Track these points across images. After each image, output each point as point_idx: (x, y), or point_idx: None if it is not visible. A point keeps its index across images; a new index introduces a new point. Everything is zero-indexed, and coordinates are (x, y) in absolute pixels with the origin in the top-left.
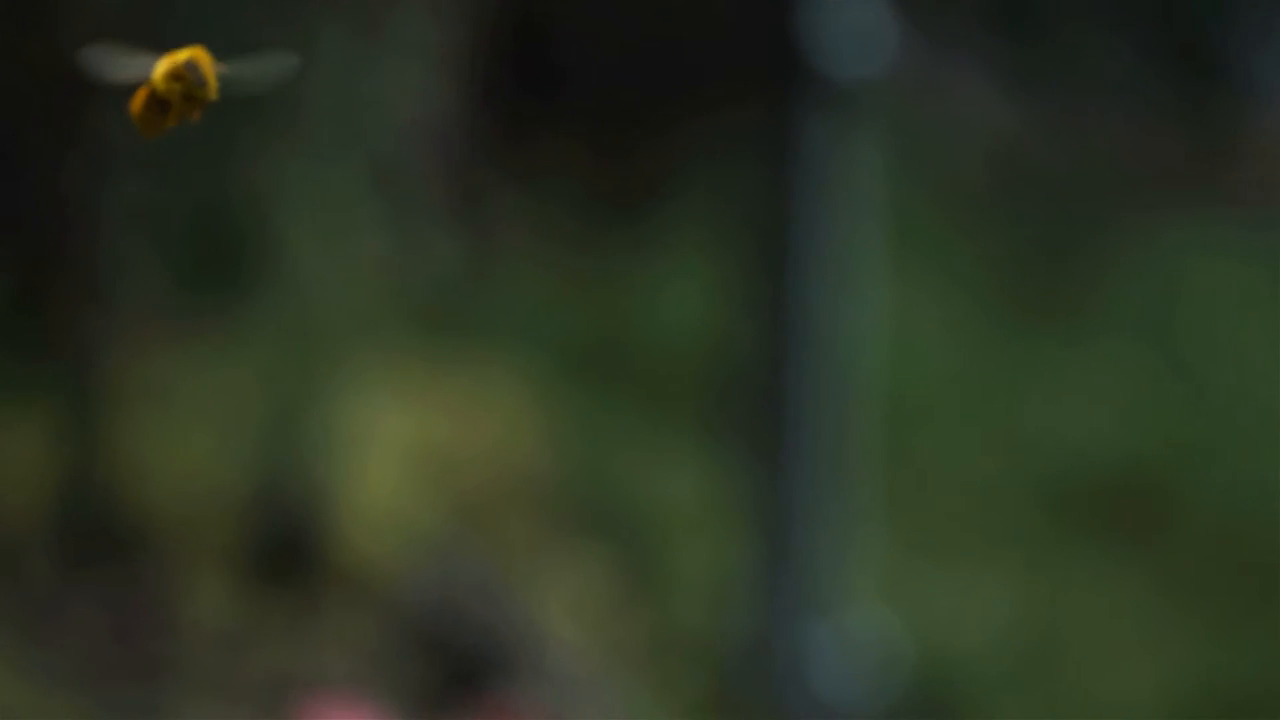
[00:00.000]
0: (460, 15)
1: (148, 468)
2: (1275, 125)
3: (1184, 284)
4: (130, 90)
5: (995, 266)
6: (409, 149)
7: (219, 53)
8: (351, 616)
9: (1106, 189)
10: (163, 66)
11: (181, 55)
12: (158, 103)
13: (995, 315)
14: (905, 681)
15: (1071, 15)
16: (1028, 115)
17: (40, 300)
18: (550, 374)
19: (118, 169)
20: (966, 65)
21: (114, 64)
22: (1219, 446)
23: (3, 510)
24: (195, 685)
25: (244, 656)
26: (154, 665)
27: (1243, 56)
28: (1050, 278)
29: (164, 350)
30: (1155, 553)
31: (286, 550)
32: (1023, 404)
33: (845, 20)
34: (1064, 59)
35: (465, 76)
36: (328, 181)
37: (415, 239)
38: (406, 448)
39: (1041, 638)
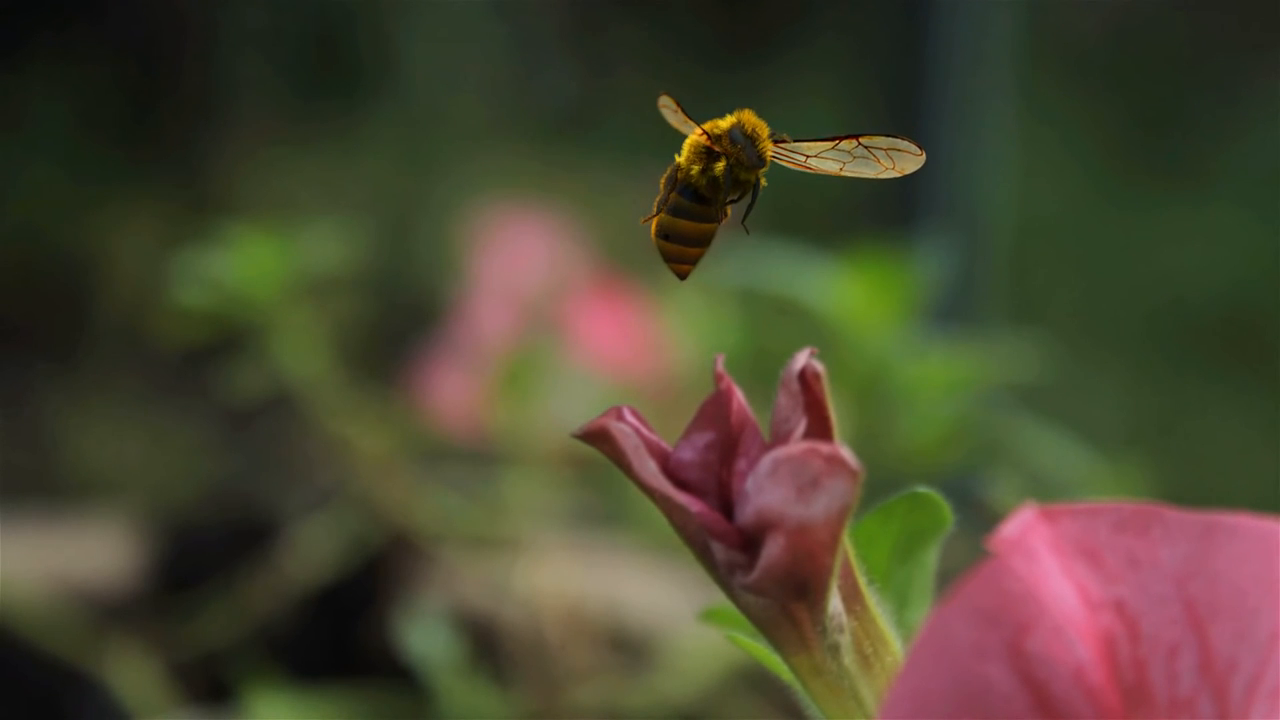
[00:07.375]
0: None
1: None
2: None
3: None
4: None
5: (1114, 131)
6: None
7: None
8: None
9: (1233, 57)
10: (693, 142)
11: (723, 123)
12: (688, 195)
13: (1112, 178)
14: None
15: None
16: None
17: (160, 113)
18: None
19: None
20: None
21: None
22: None
23: (128, 291)
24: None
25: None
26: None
27: None
28: (1170, 143)
29: (280, 157)
30: (1262, 375)
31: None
32: (1136, 255)
33: None
34: None
35: None
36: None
37: (532, 62)
38: None
39: (1154, 430)
